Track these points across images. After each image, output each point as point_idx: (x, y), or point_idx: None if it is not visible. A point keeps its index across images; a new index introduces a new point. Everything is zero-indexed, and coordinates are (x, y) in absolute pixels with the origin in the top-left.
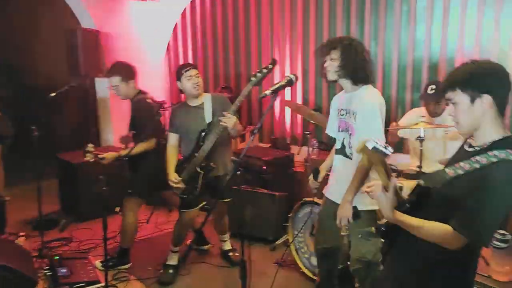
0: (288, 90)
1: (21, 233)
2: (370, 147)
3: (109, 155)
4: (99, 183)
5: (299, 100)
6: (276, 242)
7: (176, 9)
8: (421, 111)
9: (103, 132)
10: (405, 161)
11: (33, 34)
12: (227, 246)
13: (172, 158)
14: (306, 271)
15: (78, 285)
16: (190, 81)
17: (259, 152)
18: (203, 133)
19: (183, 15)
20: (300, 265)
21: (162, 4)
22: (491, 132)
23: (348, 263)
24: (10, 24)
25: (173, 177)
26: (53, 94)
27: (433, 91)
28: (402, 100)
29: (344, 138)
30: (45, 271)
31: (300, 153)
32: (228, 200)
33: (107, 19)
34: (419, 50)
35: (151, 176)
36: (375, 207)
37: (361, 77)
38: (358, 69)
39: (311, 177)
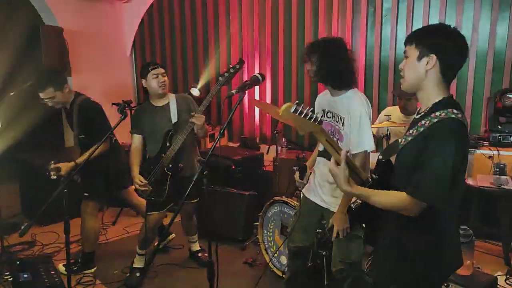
0: (257, 89)
1: None
2: (292, 111)
3: (65, 166)
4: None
5: (268, 100)
6: (246, 242)
7: (142, 4)
8: (394, 110)
9: (67, 133)
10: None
11: None
12: (196, 247)
13: (136, 160)
14: (275, 270)
15: None
16: (156, 80)
17: (228, 152)
18: (170, 134)
19: (150, 10)
20: (270, 264)
21: None
22: (433, 94)
23: (318, 261)
24: None
25: (138, 180)
26: (12, 93)
27: None
28: (369, 99)
29: None
30: (6, 277)
31: (269, 152)
32: (196, 200)
33: (71, 16)
34: (385, 50)
35: (107, 177)
36: None
37: (341, 82)
38: (335, 74)
39: (297, 175)
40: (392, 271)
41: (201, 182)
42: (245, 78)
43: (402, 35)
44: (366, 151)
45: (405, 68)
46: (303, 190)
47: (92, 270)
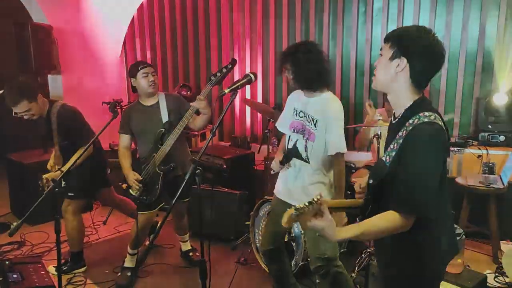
0: (248, 88)
1: None
2: (294, 216)
3: (53, 175)
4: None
5: (259, 99)
6: (237, 241)
7: (132, 3)
8: (382, 111)
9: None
10: (366, 158)
11: None
12: (187, 246)
13: (127, 159)
14: (267, 269)
15: None
16: (146, 79)
17: (219, 151)
18: (161, 134)
19: (140, 8)
20: (261, 263)
21: None
22: (404, 98)
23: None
24: None
25: (132, 177)
26: (1, 92)
27: None
28: (360, 100)
29: (297, 140)
30: None
31: (260, 152)
32: (187, 199)
33: (60, 14)
34: (376, 49)
35: (90, 176)
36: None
37: (316, 85)
38: (310, 79)
39: (277, 159)
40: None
41: (192, 181)
42: (237, 77)
43: None
44: (343, 153)
45: (378, 65)
46: (274, 191)
47: (83, 269)
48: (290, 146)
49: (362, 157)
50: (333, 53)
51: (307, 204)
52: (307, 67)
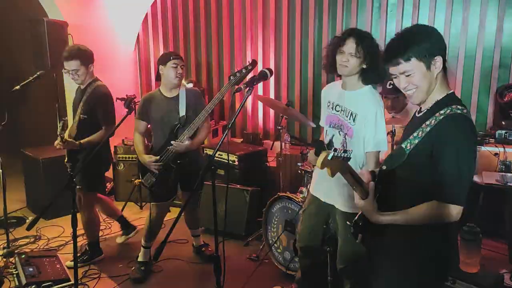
0: (261, 85)
1: None
2: (329, 157)
3: (71, 142)
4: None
5: (272, 95)
6: (249, 238)
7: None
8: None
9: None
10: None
11: None
12: (200, 241)
13: (141, 143)
14: (279, 266)
15: (46, 284)
16: (175, 69)
17: (231, 147)
18: (176, 128)
19: (154, 5)
20: (274, 260)
21: None
22: (438, 92)
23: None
24: None
25: (149, 159)
26: (17, 87)
27: (392, 86)
28: None
29: (333, 135)
30: (11, 270)
31: (273, 148)
32: (200, 191)
33: (75, 10)
34: None
35: (98, 167)
36: None
37: (375, 76)
38: (375, 67)
39: (312, 152)
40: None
41: (206, 176)
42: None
43: None
44: (380, 151)
45: (415, 81)
46: (309, 188)
47: (101, 256)
48: (326, 142)
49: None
50: None
51: (343, 151)
52: (377, 55)
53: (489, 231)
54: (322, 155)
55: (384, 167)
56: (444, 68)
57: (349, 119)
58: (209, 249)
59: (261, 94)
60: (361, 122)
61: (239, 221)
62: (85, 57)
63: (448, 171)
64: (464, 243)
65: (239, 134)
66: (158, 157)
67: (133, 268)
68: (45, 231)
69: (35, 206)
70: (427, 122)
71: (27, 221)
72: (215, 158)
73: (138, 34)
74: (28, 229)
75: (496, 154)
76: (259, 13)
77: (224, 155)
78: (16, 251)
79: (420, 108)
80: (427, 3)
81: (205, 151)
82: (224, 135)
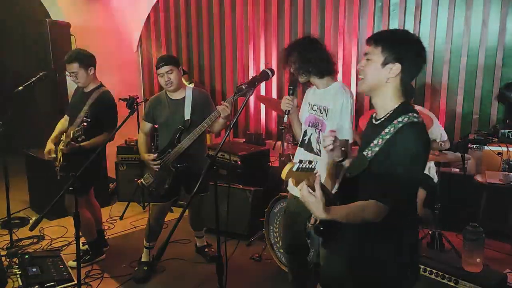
0: (263, 85)
1: None
2: (294, 169)
3: (72, 144)
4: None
5: (274, 95)
6: (252, 238)
7: (148, 0)
8: None
9: None
10: None
11: (1, 27)
12: (203, 242)
13: (143, 144)
14: (282, 266)
15: (50, 284)
16: (162, 79)
17: (234, 147)
18: (180, 132)
19: (156, 6)
20: (276, 260)
21: None
22: (392, 100)
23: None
24: None
25: (147, 156)
26: (20, 88)
27: None
28: None
29: (311, 134)
30: (15, 271)
31: (275, 148)
32: (203, 194)
33: (78, 11)
34: None
35: (94, 173)
36: None
37: (322, 67)
38: (315, 61)
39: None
40: (358, 279)
41: (209, 176)
42: (250, 71)
43: (409, 30)
44: (348, 140)
45: (368, 70)
46: (288, 187)
47: (103, 256)
48: (306, 142)
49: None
50: (348, 49)
51: (308, 162)
52: (311, 53)
53: (492, 231)
54: (287, 167)
55: (347, 174)
56: (406, 82)
57: (323, 114)
58: (212, 249)
59: (264, 94)
60: (332, 116)
61: (242, 221)
62: (84, 60)
63: (395, 173)
64: (467, 243)
65: (242, 135)
66: (156, 155)
67: (136, 268)
68: (48, 231)
69: (38, 207)
70: (386, 130)
71: (30, 221)
72: (217, 158)
73: (141, 35)
74: (31, 229)
75: (499, 153)
76: (261, 13)
77: (227, 156)
78: (19, 252)
79: (375, 116)
80: (430, 3)
81: (208, 152)
82: (226, 135)
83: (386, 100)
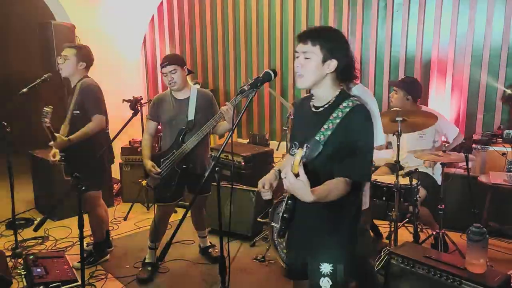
0: (266, 85)
1: None
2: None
3: (60, 138)
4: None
5: (278, 92)
6: (255, 238)
7: (153, 1)
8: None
9: None
10: (385, 156)
11: (6, 28)
12: (206, 242)
13: (148, 148)
14: (285, 267)
15: (54, 284)
16: (166, 78)
17: (238, 148)
18: (183, 132)
19: (160, 7)
20: (280, 261)
21: None
22: (332, 91)
23: None
24: None
25: (151, 166)
26: (24, 90)
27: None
28: (379, 97)
29: None
30: (19, 271)
31: (279, 149)
32: (207, 194)
33: (82, 13)
34: (396, 45)
35: (101, 164)
36: (365, 206)
37: (351, 74)
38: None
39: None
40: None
41: (212, 177)
42: (254, 72)
43: (413, 30)
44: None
45: (308, 67)
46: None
47: (107, 256)
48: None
49: (382, 155)
50: (352, 49)
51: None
52: (342, 53)
53: (497, 231)
54: (298, 158)
55: (304, 160)
56: (343, 74)
57: None
58: (216, 250)
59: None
60: None
61: (245, 222)
62: (78, 51)
63: (358, 152)
64: (471, 244)
65: (245, 135)
66: (160, 170)
67: (140, 269)
68: (52, 232)
69: (43, 207)
70: (334, 115)
71: (35, 222)
72: (220, 159)
73: (145, 36)
74: (35, 230)
75: (504, 154)
76: (265, 11)
77: (230, 156)
78: (24, 252)
79: (314, 104)
80: (433, 2)
81: (210, 153)
82: (229, 136)
83: (326, 91)
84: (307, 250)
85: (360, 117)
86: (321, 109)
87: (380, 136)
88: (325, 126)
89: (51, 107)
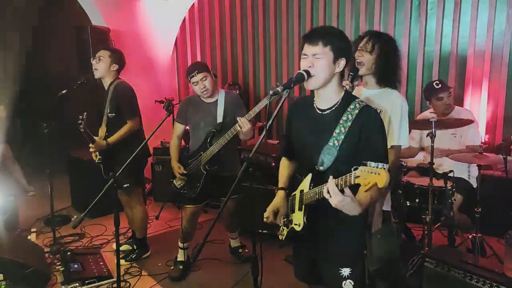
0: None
1: (33, 230)
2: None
3: (99, 141)
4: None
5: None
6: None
7: (184, 4)
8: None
9: None
10: (417, 158)
11: (44, 32)
12: (237, 243)
13: (176, 148)
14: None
15: (90, 280)
16: (197, 87)
17: (268, 149)
18: (211, 135)
19: (191, 10)
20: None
21: None
22: (336, 92)
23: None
24: (23, 22)
25: (177, 168)
26: (63, 92)
27: (440, 85)
28: (412, 97)
29: None
30: (57, 267)
31: None
32: (237, 196)
33: (117, 17)
34: (430, 45)
35: (138, 162)
36: (388, 208)
37: (395, 78)
38: (393, 69)
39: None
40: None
41: (244, 178)
42: (284, 73)
43: (448, 30)
44: (401, 146)
45: (320, 67)
46: None
47: (148, 253)
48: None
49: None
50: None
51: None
52: (394, 58)
53: None
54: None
55: (321, 168)
56: (343, 75)
57: None
58: (246, 250)
59: (298, 95)
60: (385, 118)
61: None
62: (112, 53)
63: (378, 150)
64: (509, 248)
65: (276, 136)
66: (185, 171)
67: (172, 267)
68: (88, 229)
69: (79, 206)
70: (344, 118)
71: (72, 219)
72: (253, 160)
73: (176, 38)
74: (74, 227)
75: None
76: (295, 14)
77: (261, 157)
78: (62, 248)
79: (318, 107)
80: (469, 1)
81: (242, 154)
82: (262, 136)
83: (332, 92)
84: (320, 256)
85: (371, 117)
86: (327, 111)
87: (403, 136)
88: (337, 131)
89: (86, 113)
